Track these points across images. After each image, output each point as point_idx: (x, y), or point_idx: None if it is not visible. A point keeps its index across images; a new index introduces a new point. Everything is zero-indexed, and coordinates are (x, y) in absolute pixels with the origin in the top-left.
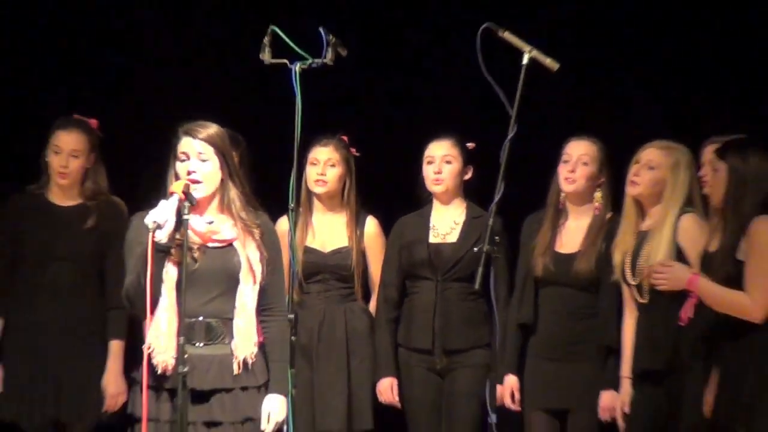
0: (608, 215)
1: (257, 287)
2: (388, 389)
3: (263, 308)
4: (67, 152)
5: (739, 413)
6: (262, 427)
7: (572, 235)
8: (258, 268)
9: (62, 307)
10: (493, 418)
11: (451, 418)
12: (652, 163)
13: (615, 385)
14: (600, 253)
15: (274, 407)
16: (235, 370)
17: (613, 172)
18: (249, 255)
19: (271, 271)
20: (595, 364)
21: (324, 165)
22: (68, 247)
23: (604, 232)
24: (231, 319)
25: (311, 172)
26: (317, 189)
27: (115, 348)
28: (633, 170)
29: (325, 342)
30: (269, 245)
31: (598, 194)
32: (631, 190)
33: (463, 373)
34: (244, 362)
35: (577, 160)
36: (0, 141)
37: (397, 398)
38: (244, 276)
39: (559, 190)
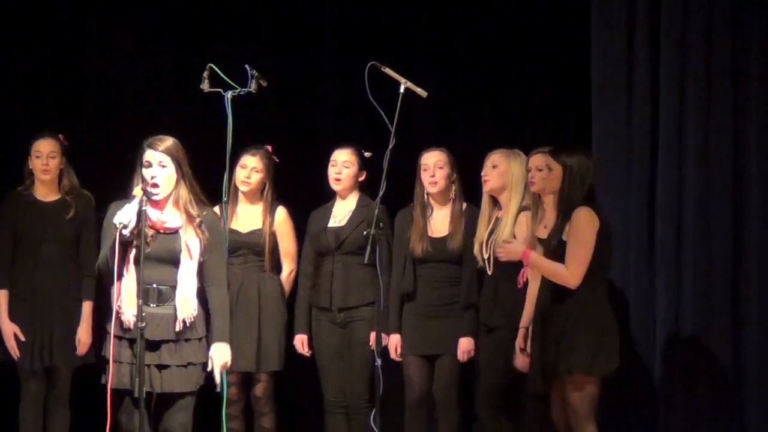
0: (464, 205)
1: (195, 264)
2: (299, 343)
3: (206, 281)
4: (46, 154)
5: (561, 355)
6: (209, 369)
7: (439, 222)
8: (195, 250)
9: (52, 278)
10: (378, 361)
11: (351, 361)
12: (496, 163)
13: (471, 334)
14: (463, 234)
15: (218, 352)
16: (177, 327)
17: (460, 171)
18: (188, 240)
19: (209, 251)
20: (458, 320)
21: (250, 170)
22: (55, 233)
23: (464, 218)
24: (176, 286)
25: (239, 174)
26: (242, 188)
27: (86, 307)
28: (483, 172)
29: (242, 301)
30: (208, 232)
31: (453, 187)
32: (485, 187)
33: (357, 326)
34: (184, 321)
35: (434, 165)
36: None
37: (306, 349)
38: (183, 256)
39: (423, 190)
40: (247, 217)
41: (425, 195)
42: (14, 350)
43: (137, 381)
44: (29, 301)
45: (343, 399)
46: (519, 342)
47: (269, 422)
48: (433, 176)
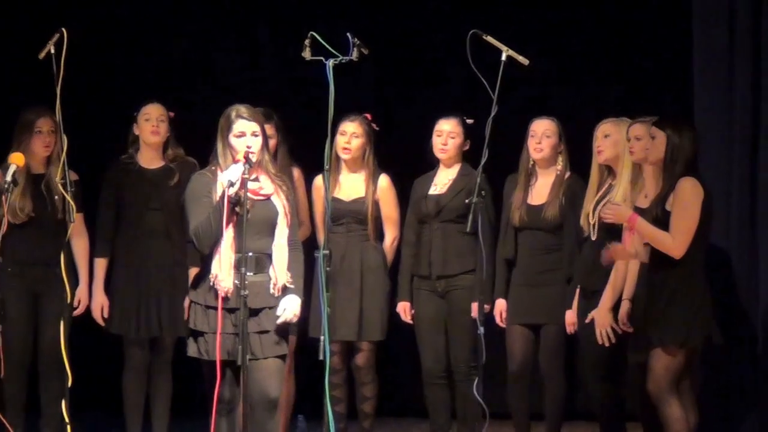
0: (567, 174)
1: (288, 229)
2: (401, 310)
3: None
4: (156, 117)
5: (653, 323)
6: (278, 313)
7: (540, 190)
8: (291, 212)
9: (156, 246)
10: (481, 330)
11: (452, 330)
12: (607, 132)
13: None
14: (561, 203)
15: (289, 303)
16: (275, 293)
17: (567, 142)
18: (284, 204)
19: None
20: (559, 288)
21: (350, 136)
22: (159, 200)
23: (564, 187)
24: (271, 254)
25: (340, 141)
26: (344, 155)
27: (194, 273)
28: (597, 143)
29: (345, 270)
30: (290, 196)
31: (559, 158)
32: (599, 158)
33: (456, 294)
34: (284, 285)
35: (542, 134)
36: (94, 122)
37: (408, 317)
38: (280, 220)
39: (529, 157)
40: (350, 185)
41: (531, 162)
42: (100, 320)
43: (240, 349)
44: (134, 270)
45: (442, 368)
46: (622, 315)
47: (371, 391)
48: (539, 143)
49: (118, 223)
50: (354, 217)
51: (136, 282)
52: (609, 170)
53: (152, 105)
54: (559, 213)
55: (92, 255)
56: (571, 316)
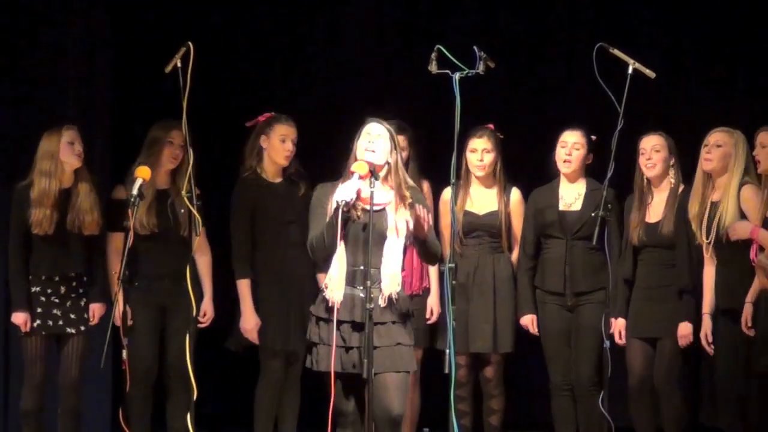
0: (680, 188)
1: (401, 242)
2: (529, 323)
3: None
4: (293, 139)
5: None
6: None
7: (656, 207)
8: (402, 227)
9: (294, 258)
10: (606, 344)
11: (579, 344)
12: (719, 142)
13: (689, 319)
14: (676, 218)
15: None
16: (382, 303)
17: (680, 155)
18: (397, 218)
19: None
20: (675, 303)
21: (481, 153)
22: (293, 212)
23: (677, 201)
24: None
25: (472, 158)
26: (478, 172)
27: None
28: (705, 150)
29: (477, 282)
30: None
31: (671, 172)
32: (705, 165)
33: (587, 309)
34: (389, 297)
35: (651, 149)
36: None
37: (536, 329)
38: (390, 233)
39: (642, 175)
40: (482, 198)
41: (644, 180)
42: (256, 340)
43: (365, 363)
44: (273, 283)
45: (570, 382)
46: (745, 318)
47: (498, 404)
48: (650, 159)
49: (256, 240)
50: (487, 231)
51: (282, 295)
52: (709, 178)
53: (287, 125)
54: (674, 229)
55: (230, 274)
56: (684, 329)
